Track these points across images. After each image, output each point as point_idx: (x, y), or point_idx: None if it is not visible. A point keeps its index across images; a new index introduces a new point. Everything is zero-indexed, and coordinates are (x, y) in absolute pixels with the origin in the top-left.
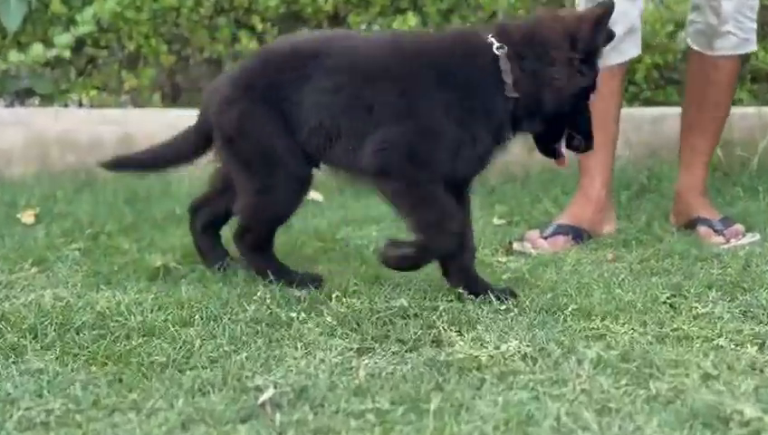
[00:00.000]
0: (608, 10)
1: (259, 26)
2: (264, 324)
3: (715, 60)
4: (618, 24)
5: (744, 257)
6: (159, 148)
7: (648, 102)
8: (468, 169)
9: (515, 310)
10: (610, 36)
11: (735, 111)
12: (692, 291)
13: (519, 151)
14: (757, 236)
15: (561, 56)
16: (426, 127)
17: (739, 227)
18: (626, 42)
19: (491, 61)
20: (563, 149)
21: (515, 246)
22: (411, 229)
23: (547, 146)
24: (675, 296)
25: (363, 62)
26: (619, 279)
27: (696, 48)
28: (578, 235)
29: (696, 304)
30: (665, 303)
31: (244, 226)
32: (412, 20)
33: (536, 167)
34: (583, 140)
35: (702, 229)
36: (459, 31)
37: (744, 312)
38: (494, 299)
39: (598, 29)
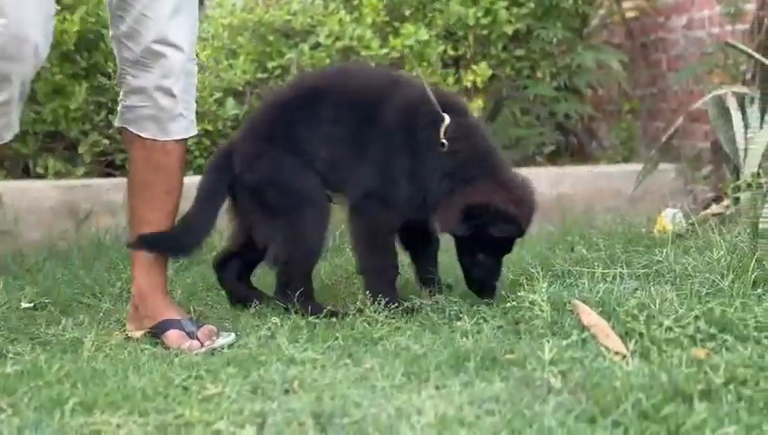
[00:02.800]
0: (487, 209)
1: None
2: None
3: (164, 144)
4: None
5: (270, 328)
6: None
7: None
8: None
9: (9, 410)
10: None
11: None
12: (209, 369)
13: (68, 224)
14: (232, 336)
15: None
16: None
17: (212, 327)
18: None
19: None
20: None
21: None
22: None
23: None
24: (190, 378)
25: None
26: (140, 362)
27: (144, 135)
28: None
29: (210, 385)
30: (178, 386)
31: (283, 273)
32: None
33: (84, 241)
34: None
35: (172, 333)
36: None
37: (255, 388)
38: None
39: (470, 216)
